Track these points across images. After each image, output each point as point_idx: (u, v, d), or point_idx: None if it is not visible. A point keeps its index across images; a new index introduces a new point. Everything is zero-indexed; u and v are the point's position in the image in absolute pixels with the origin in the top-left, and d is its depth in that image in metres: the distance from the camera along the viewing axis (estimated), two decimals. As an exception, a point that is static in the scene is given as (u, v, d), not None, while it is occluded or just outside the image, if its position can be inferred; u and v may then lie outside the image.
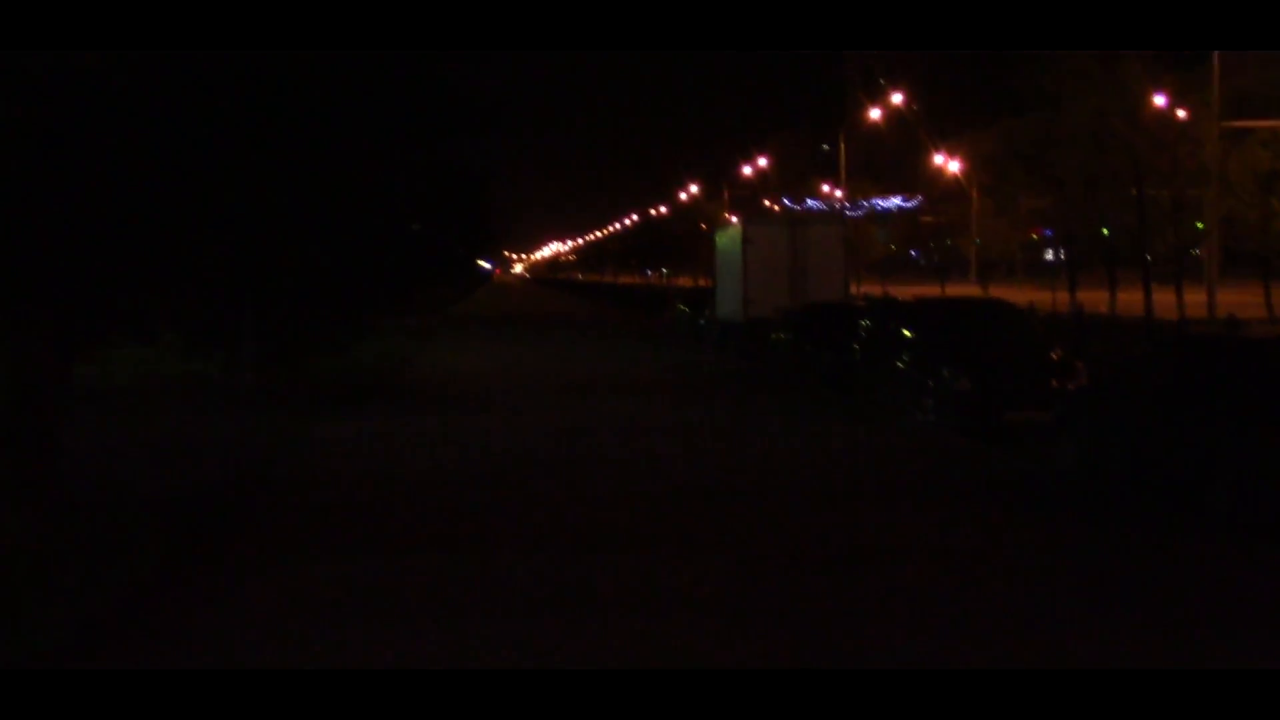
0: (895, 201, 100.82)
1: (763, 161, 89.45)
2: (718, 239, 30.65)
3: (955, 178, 71.17)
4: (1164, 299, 34.54)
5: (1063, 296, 38.09)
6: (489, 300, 72.47)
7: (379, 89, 18.54)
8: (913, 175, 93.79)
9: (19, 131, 11.70)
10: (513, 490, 10.26)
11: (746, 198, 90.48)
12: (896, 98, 75.38)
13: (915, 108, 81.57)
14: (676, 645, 6.22)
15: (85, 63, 15.61)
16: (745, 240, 26.03)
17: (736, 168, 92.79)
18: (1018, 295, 33.10)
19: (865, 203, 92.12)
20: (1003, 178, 51.28)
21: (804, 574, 7.57)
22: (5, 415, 9.88)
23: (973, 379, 14.25)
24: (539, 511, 9.38)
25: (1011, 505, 9.61)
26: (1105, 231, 40.40)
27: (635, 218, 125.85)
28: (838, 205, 72.10)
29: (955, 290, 57.58)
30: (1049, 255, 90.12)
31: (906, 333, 16.15)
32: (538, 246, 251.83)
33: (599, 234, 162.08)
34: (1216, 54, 35.56)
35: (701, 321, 32.51)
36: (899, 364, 15.94)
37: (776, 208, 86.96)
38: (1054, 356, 15.02)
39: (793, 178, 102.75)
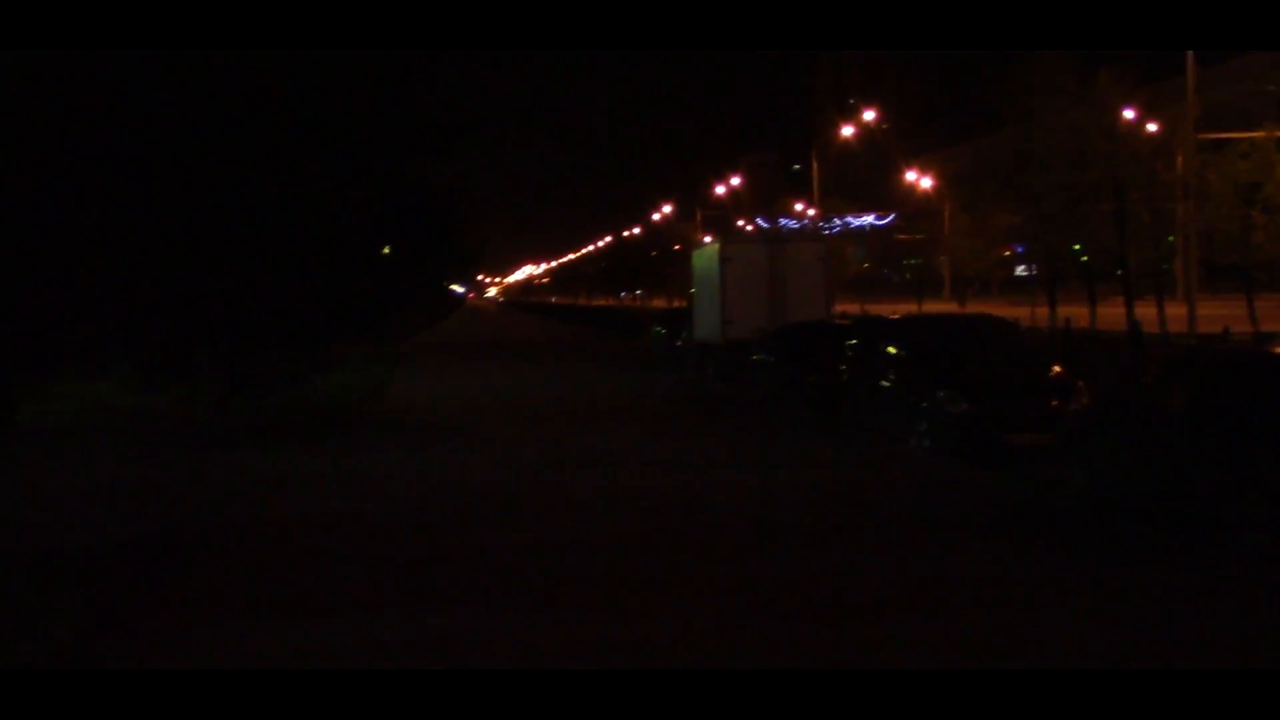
0: (868, 219, 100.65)
1: (735, 181, 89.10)
2: (694, 259, 29.89)
3: (928, 195, 70.90)
4: (1140, 313, 34.07)
5: (1041, 312, 37.64)
6: (462, 325, 71.54)
7: (345, 102, 17.77)
8: (885, 193, 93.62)
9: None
10: (485, 533, 9.41)
11: (719, 217, 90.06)
12: (868, 115, 75.08)
13: (887, 125, 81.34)
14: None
15: (29, 69, 14.80)
16: (723, 259, 25.30)
17: (708, 188, 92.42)
18: (995, 312, 32.52)
19: (838, 221, 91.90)
20: (978, 194, 50.99)
21: (802, 627, 6.73)
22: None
23: (971, 401, 13.51)
24: (513, 558, 8.55)
25: (1024, 539, 8.84)
26: (1077, 248, 40.09)
27: (608, 239, 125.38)
28: (810, 224, 71.72)
29: (933, 308, 57.11)
30: (1020, 270, 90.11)
31: (897, 353, 15.40)
32: (511, 270, 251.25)
33: (572, 256, 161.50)
34: (1190, 67, 35.29)
35: (678, 343, 31.75)
36: (890, 386, 15.19)
37: (750, 227, 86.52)
38: (1053, 375, 14.30)
39: (765, 197, 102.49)
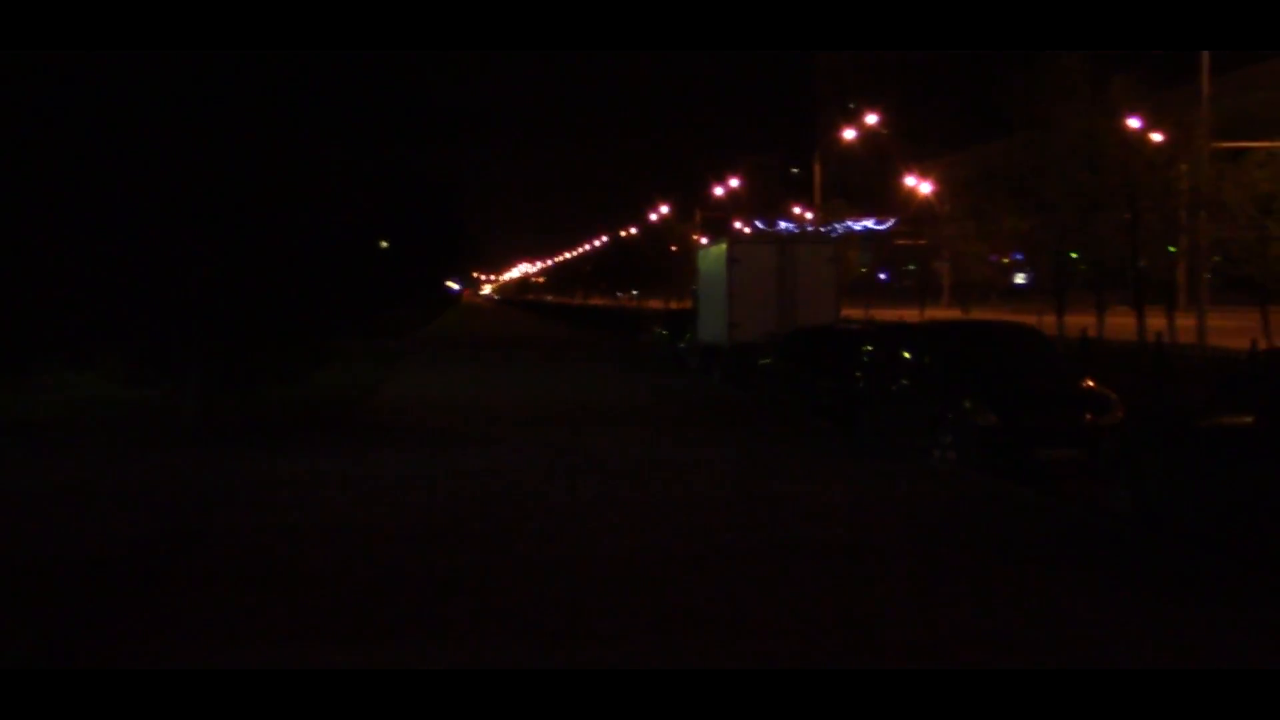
0: (868, 223, 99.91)
1: (734, 183, 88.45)
2: (700, 259, 29.16)
3: (929, 200, 70.24)
4: (1147, 324, 33.46)
5: (1048, 320, 36.99)
6: (458, 322, 70.75)
7: (342, 91, 17.03)
8: (886, 197, 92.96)
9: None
10: (489, 549, 8.68)
11: (718, 219, 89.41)
12: (870, 118, 74.57)
13: (888, 130, 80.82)
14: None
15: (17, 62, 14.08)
16: (731, 260, 24.58)
17: (708, 189, 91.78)
18: (999, 320, 31.79)
19: (838, 225, 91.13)
20: (986, 199, 50.36)
21: (849, 664, 6.01)
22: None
23: (999, 412, 12.80)
24: (513, 578, 7.82)
25: (1080, 568, 8.09)
26: (1075, 255, 39.47)
27: (605, 239, 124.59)
28: (809, 227, 71.06)
29: (935, 314, 56.40)
30: (1020, 279, 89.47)
31: (919, 360, 14.68)
32: (507, 268, 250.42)
33: (568, 255, 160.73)
34: (1205, 72, 34.73)
35: (682, 345, 31.03)
36: (911, 395, 14.47)
37: (748, 230, 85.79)
38: (1085, 387, 13.59)
39: (764, 200, 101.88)
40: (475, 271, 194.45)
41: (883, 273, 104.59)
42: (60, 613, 6.91)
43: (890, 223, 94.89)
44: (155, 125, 15.29)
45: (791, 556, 8.44)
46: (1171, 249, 39.83)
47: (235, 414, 16.54)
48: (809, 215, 79.91)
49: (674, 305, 74.54)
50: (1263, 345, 25.28)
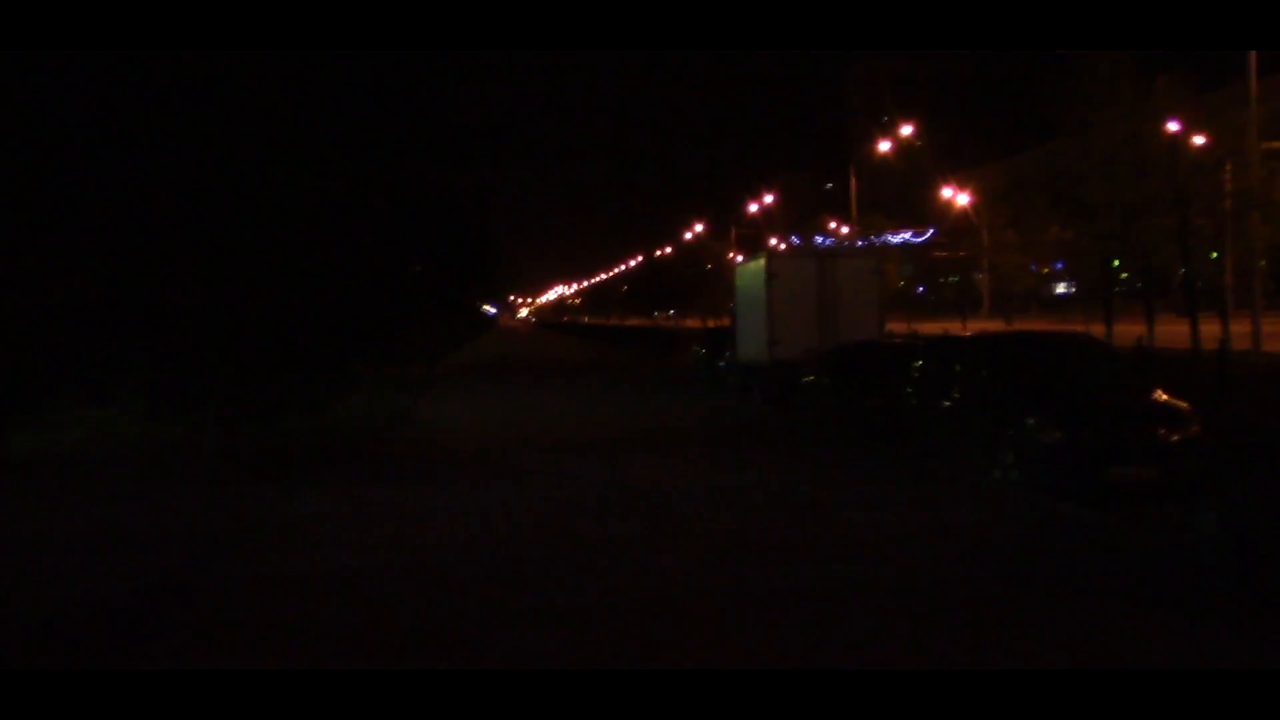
0: (905, 236, 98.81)
1: (768, 199, 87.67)
2: (738, 275, 28.33)
3: (965, 211, 69.19)
4: (1184, 330, 32.48)
5: (1096, 329, 35.96)
6: (494, 346, 70.19)
7: (367, 101, 16.36)
8: (921, 209, 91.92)
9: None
10: (518, 594, 7.93)
11: (752, 236, 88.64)
12: (905, 129, 73.60)
13: (923, 141, 79.83)
14: None
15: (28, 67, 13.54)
16: (770, 275, 23.75)
17: (742, 206, 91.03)
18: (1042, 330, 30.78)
19: (875, 238, 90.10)
20: (1026, 208, 49.33)
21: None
22: None
23: (1065, 429, 11.93)
24: (554, 625, 7.07)
25: (1170, 607, 7.26)
26: (1116, 263, 38.47)
27: (640, 259, 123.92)
28: (846, 241, 70.14)
29: (977, 326, 55.32)
30: (1061, 288, 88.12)
31: (976, 375, 13.82)
32: (542, 290, 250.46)
33: (604, 275, 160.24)
34: (1253, 72, 33.77)
35: (721, 364, 30.20)
36: (968, 412, 13.62)
37: (783, 246, 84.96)
38: (1157, 400, 12.69)
39: (798, 216, 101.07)
40: (511, 295, 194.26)
41: (919, 286, 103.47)
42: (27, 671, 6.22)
43: (928, 234, 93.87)
44: (179, 146, 14.71)
45: (849, 597, 7.63)
46: (1214, 254, 38.77)
47: (257, 447, 15.88)
48: (844, 230, 78.99)
49: (711, 323, 73.80)
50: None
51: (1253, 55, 33.30)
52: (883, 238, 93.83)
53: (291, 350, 17.59)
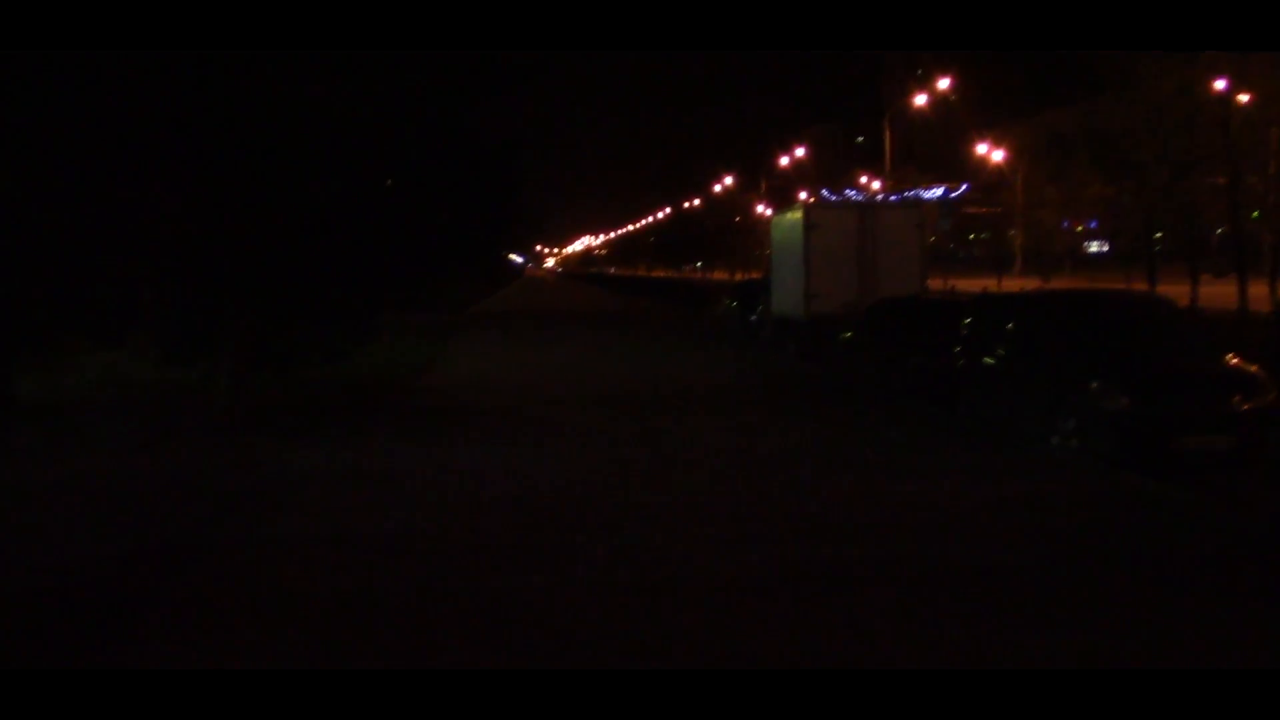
0: (938, 192, 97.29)
1: (799, 153, 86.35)
2: (774, 226, 27.46)
3: (1000, 167, 67.79)
4: (1226, 291, 31.49)
5: (1137, 289, 34.98)
6: (520, 295, 69.52)
7: (397, 52, 15.56)
8: (954, 164, 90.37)
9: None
10: (539, 566, 7.20)
11: (782, 188, 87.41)
12: (942, 83, 72.06)
13: (958, 94, 78.20)
14: None
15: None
16: (808, 226, 22.89)
17: (772, 159, 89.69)
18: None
19: (909, 194, 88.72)
20: (1068, 163, 48.06)
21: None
22: None
23: (1132, 395, 11.12)
24: (580, 595, 6.37)
25: (1262, 594, 6.52)
26: (1155, 223, 37.44)
27: (668, 211, 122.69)
28: (879, 196, 68.91)
29: (1013, 284, 54.28)
30: (1094, 247, 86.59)
31: (1034, 335, 12.98)
32: (569, 241, 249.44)
33: (631, 227, 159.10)
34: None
35: (753, 318, 29.41)
36: (1024, 375, 12.80)
37: (812, 199, 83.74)
38: (1229, 364, 11.84)
39: (828, 170, 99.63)
40: (538, 245, 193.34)
41: (952, 242, 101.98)
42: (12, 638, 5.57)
43: (962, 189, 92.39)
44: (190, 93, 13.96)
45: (920, 579, 6.89)
46: (1256, 214, 37.62)
47: (271, 397, 15.22)
48: (876, 184, 77.70)
49: (739, 277, 72.77)
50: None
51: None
52: (915, 192, 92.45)
53: (311, 295, 16.91)
